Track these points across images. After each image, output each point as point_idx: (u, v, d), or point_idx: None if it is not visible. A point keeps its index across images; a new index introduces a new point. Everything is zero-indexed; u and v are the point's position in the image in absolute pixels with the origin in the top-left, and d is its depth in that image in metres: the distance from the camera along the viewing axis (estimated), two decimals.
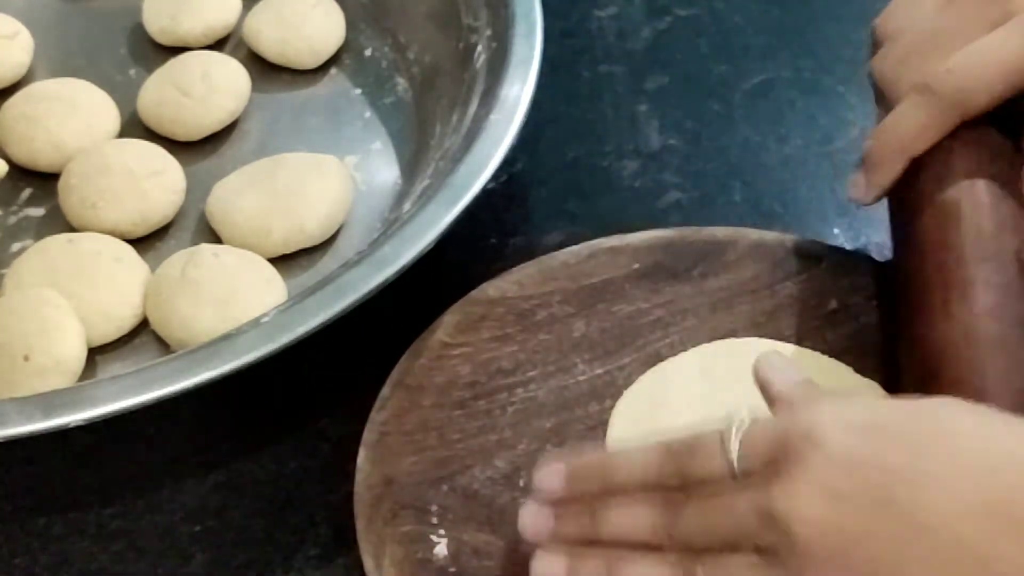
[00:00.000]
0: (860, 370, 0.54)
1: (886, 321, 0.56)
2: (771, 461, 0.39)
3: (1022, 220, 0.50)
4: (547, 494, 0.44)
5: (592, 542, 0.42)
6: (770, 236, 0.60)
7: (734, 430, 0.40)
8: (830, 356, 0.55)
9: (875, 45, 0.57)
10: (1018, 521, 0.36)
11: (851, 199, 0.56)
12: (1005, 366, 0.46)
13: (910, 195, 0.53)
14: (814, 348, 0.55)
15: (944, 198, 0.51)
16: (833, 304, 0.57)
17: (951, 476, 0.37)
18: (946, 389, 0.45)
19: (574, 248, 0.60)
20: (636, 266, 0.59)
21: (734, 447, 0.40)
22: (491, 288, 0.58)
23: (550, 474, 0.44)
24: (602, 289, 0.58)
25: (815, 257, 0.59)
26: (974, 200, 0.51)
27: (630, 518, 0.42)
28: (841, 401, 0.41)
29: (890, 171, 0.54)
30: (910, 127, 0.53)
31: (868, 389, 0.52)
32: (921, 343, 0.49)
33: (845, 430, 0.39)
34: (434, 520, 0.50)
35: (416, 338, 0.56)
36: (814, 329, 0.56)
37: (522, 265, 0.59)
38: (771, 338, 0.56)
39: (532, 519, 0.44)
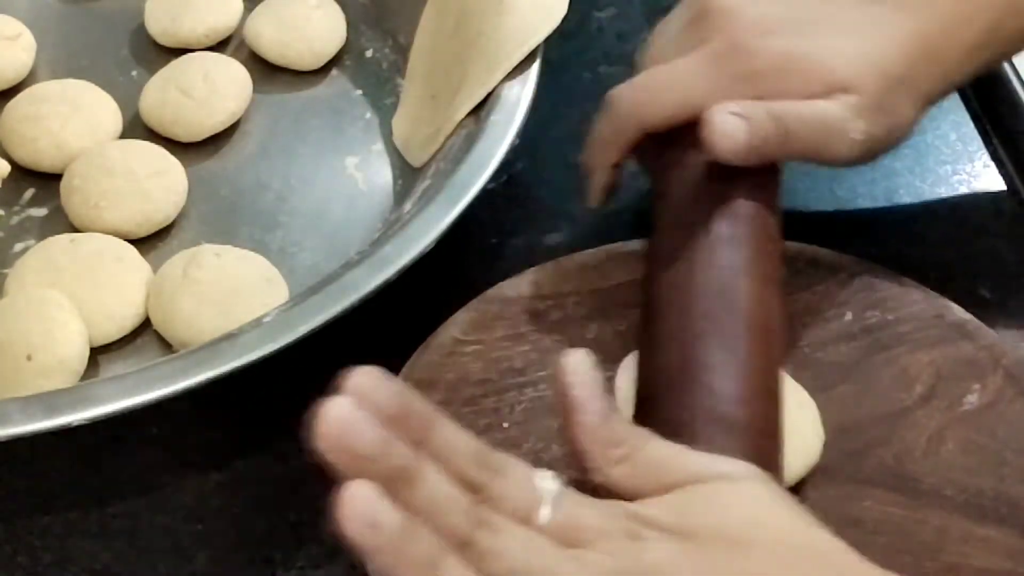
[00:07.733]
0: (872, 381, 0.54)
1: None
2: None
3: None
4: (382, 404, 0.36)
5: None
6: (792, 246, 0.59)
7: (546, 492, 0.39)
8: (842, 369, 0.55)
9: None
10: None
11: (588, 205, 0.59)
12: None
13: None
14: (826, 359, 0.55)
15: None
16: (848, 316, 0.57)
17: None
18: None
19: (592, 251, 0.60)
20: None
21: (544, 513, 0.38)
22: (507, 287, 0.58)
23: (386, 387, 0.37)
24: (617, 293, 0.58)
25: (834, 268, 0.58)
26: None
27: (443, 495, 0.37)
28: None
29: (600, 178, 0.58)
30: (600, 138, 0.58)
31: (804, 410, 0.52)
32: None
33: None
34: None
35: (416, 338, 0.56)
36: (827, 340, 0.56)
37: (539, 266, 0.59)
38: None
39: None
